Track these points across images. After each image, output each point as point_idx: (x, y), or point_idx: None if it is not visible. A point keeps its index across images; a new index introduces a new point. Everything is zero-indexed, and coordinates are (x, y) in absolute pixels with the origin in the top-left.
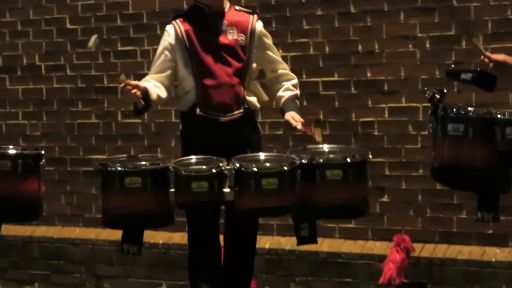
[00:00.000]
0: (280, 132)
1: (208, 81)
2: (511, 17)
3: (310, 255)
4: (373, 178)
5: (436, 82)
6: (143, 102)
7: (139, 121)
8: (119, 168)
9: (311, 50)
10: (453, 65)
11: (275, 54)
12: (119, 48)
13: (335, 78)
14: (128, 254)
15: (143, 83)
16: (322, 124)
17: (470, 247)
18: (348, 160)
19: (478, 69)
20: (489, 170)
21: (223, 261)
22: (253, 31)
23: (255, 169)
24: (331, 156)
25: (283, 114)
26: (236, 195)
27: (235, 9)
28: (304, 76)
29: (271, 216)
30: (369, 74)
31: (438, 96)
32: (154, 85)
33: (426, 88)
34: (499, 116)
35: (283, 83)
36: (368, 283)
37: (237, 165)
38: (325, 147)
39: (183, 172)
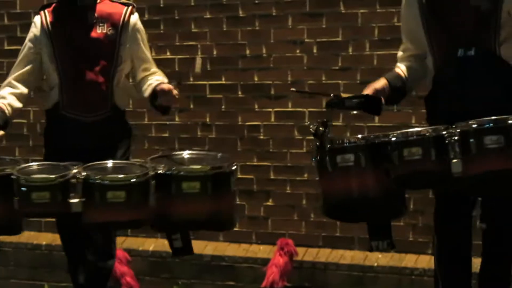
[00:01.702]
0: (167, 135)
1: (72, 79)
2: (398, 24)
3: (194, 258)
4: (258, 182)
5: (322, 87)
6: (1, 132)
7: (25, 121)
8: None
9: (199, 53)
10: (332, 95)
11: (148, 53)
12: (5, 48)
13: (223, 81)
14: None
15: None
16: (208, 127)
17: (353, 251)
18: (208, 171)
19: (363, 93)
20: (384, 197)
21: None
22: (125, 24)
23: (99, 181)
24: (190, 167)
25: (152, 96)
26: (84, 206)
27: (109, 0)
28: (191, 79)
29: (124, 229)
30: (256, 78)
31: (322, 129)
32: (7, 100)
33: (309, 122)
34: (393, 138)
35: (152, 77)
36: (252, 287)
37: (83, 174)
38: (187, 154)
39: (23, 182)
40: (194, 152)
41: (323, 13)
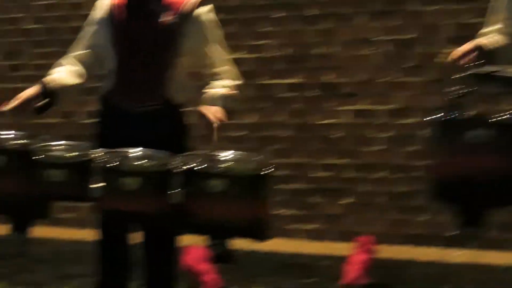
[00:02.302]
0: (244, 133)
1: (125, 66)
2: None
3: (273, 256)
4: (335, 179)
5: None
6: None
7: None
8: None
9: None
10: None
11: (218, 50)
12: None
13: (295, 80)
14: None
15: (53, 71)
16: (283, 126)
17: (433, 248)
18: (238, 171)
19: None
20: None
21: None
22: (189, 14)
23: (116, 165)
24: (222, 165)
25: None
26: (102, 192)
27: None
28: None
29: (136, 223)
30: (327, 77)
31: (461, 98)
32: (64, 72)
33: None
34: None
35: (218, 81)
36: (331, 285)
37: (104, 158)
38: (225, 155)
39: (37, 157)
40: (237, 152)
41: (393, 10)
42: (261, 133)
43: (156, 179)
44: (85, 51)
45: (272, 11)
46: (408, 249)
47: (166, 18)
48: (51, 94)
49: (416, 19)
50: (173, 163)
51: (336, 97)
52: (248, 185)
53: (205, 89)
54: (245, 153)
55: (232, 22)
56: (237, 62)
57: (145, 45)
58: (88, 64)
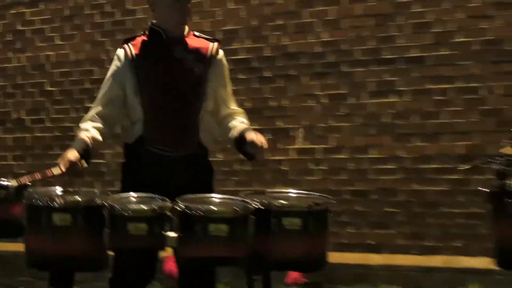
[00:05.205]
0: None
1: (157, 113)
2: (390, 79)
3: None
4: None
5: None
6: (85, 164)
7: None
8: (47, 203)
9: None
10: None
11: (231, 90)
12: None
13: None
14: None
15: (81, 135)
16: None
17: None
18: (308, 208)
19: None
20: None
21: None
22: (212, 59)
23: (201, 213)
24: (290, 202)
25: (238, 140)
26: (180, 241)
27: (195, 35)
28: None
29: (219, 266)
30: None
31: (508, 168)
32: (91, 133)
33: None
34: None
35: (236, 118)
36: None
37: (183, 206)
38: (286, 193)
39: (120, 212)
40: (291, 191)
41: (329, 72)
42: (226, 168)
43: (239, 224)
44: (107, 106)
45: (238, 74)
46: (337, 254)
47: (192, 64)
48: (89, 154)
49: (346, 78)
50: (250, 206)
51: (285, 139)
52: (319, 220)
53: (229, 125)
54: (303, 191)
55: None
56: None
57: (176, 91)
58: (110, 118)
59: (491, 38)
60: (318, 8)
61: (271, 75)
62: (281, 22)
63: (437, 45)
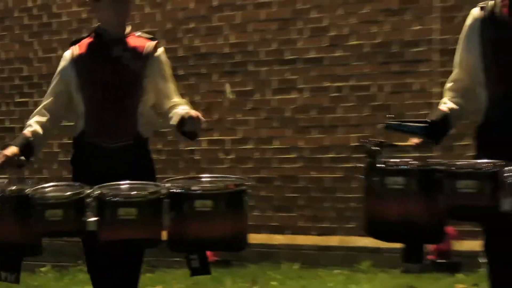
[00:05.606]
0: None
1: (96, 108)
2: (291, 78)
3: None
4: None
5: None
6: (23, 158)
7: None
8: None
9: None
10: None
11: (172, 85)
12: None
13: None
14: (6, 281)
15: (24, 131)
16: None
17: None
18: (219, 190)
19: (428, 119)
20: (429, 224)
21: None
22: (149, 57)
23: (112, 198)
24: (205, 186)
25: (179, 125)
26: (98, 225)
27: (135, 35)
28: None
29: (138, 249)
30: None
31: (376, 148)
32: (33, 128)
33: (364, 140)
34: (451, 168)
35: (178, 107)
36: None
37: (97, 192)
38: (206, 178)
39: (37, 200)
40: (213, 175)
41: (237, 70)
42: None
43: (148, 207)
44: (53, 100)
45: None
46: None
47: (129, 62)
48: (30, 148)
49: (252, 76)
50: (162, 191)
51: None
52: (233, 201)
53: (171, 114)
54: (225, 176)
55: None
56: None
57: (113, 87)
58: (57, 111)
59: (380, 41)
60: (226, 13)
61: (184, 73)
62: (193, 26)
63: (333, 47)
